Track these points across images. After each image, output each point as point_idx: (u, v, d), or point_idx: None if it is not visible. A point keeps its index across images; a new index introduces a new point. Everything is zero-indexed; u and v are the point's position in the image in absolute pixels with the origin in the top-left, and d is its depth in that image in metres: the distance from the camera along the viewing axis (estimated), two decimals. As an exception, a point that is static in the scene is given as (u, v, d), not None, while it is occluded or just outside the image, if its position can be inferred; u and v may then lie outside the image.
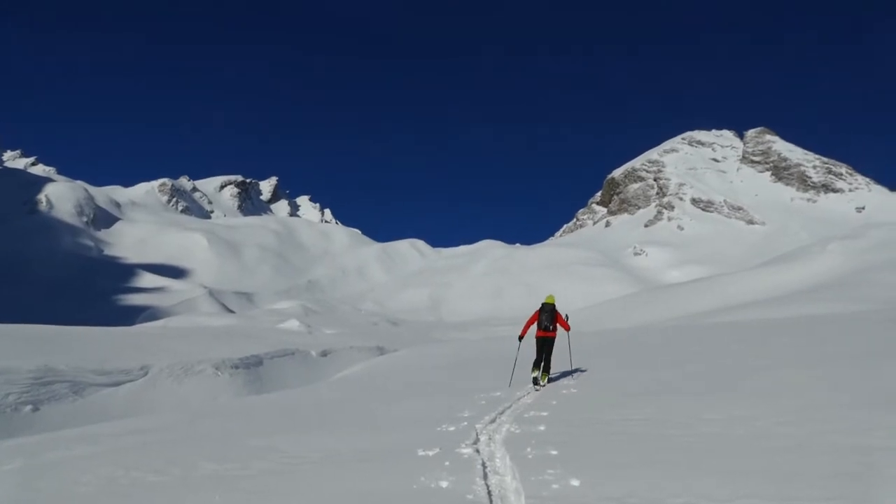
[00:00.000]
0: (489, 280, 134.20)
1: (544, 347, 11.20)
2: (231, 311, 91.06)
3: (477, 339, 41.39)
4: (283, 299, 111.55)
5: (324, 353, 28.16)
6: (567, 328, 11.61)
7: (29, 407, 14.74)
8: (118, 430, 10.79)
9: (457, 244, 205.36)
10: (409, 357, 25.13)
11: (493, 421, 7.55)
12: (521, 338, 11.82)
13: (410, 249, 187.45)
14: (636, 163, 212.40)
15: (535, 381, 10.95)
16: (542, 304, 11.48)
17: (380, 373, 20.48)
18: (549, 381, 11.45)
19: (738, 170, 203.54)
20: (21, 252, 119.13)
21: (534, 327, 11.46)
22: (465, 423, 7.49)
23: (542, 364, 11.11)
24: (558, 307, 11.85)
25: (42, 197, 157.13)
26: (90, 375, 17.12)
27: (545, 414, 7.76)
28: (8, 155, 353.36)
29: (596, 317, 46.08)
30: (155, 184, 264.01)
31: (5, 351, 18.02)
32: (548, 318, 11.23)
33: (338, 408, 11.59)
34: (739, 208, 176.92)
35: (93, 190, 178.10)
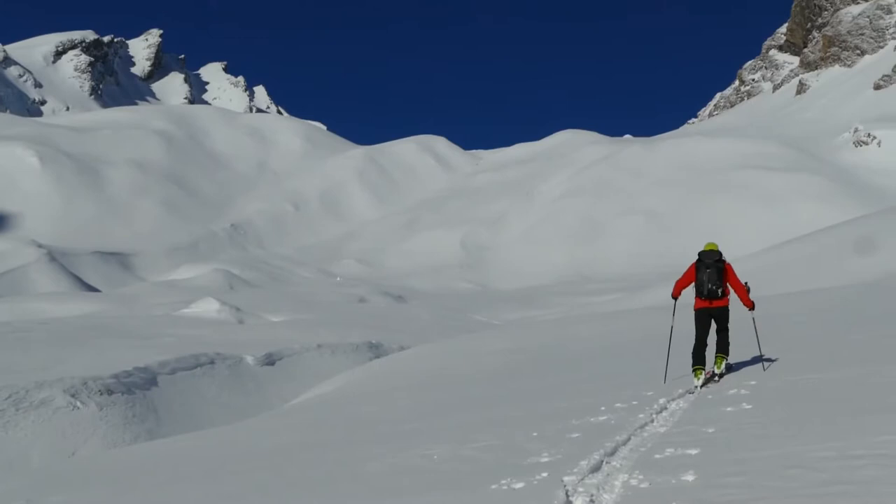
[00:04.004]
0: (573, 207, 79.67)
1: (710, 324, 7.35)
2: (91, 288, 58.99)
3: (555, 319, 28.19)
4: (185, 261, 70.91)
5: (269, 361, 19.30)
6: (748, 302, 7.46)
7: None
8: None
9: (511, 143, 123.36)
10: (427, 359, 16.89)
11: (596, 468, 4.25)
12: (674, 297, 7.82)
13: (422, 155, 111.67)
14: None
15: (702, 377, 7.14)
16: (699, 256, 7.39)
17: (375, 391, 13.51)
18: (721, 377, 7.47)
19: None
20: None
21: (690, 292, 7.38)
22: (545, 475, 4.24)
23: (716, 348, 7.28)
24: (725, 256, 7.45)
25: None
26: None
27: (695, 452, 4.34)
28: None
29: (786, 267, 26.01)
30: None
31: None
32: (712, 279, 7.15)
33: (299, 459, 7.25)
34: None
35: None
